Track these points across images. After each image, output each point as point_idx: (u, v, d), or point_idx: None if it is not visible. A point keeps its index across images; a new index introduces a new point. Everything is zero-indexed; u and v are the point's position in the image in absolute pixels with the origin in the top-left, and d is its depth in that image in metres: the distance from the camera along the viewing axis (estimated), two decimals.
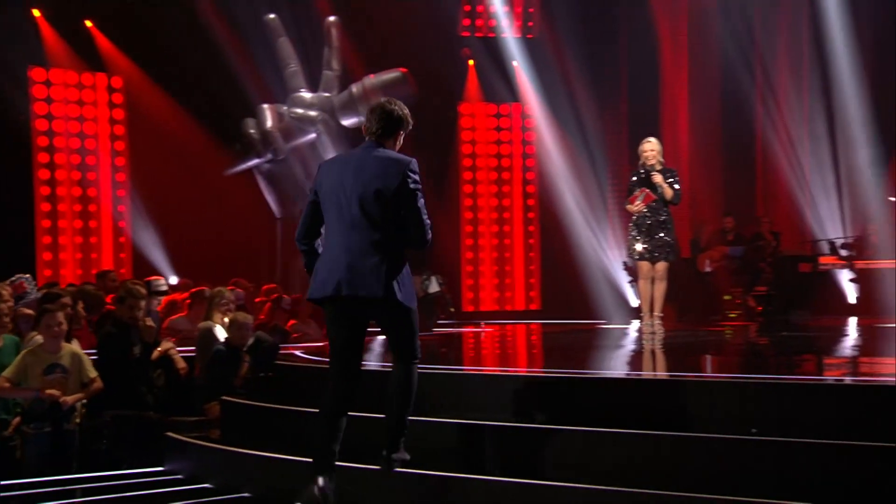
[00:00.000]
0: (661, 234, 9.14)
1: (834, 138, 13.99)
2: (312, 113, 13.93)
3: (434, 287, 11.52)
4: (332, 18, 13.77)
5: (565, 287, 14.38)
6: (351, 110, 13.88)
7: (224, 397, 6.89)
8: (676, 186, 9.11)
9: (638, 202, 9.04)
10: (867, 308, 12.44)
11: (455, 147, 14.87)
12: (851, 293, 12.94)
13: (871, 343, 9.05)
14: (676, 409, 5.16)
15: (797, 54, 14.22)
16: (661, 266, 9.23)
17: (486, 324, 12.01)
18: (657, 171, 9.13)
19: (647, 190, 9.06)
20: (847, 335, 10.08)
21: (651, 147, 9.23)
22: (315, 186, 4.93)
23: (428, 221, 4.85)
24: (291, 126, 14.04)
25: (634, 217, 9.21)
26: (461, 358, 8.52)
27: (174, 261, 13.58)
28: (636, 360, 7.75)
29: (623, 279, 13.97)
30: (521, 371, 7.09)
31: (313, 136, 14.08)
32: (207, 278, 10.71)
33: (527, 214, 14.99)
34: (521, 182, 15.04)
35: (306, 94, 13.98)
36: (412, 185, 4.79)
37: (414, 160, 4.86)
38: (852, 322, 11.49)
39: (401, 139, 5.02)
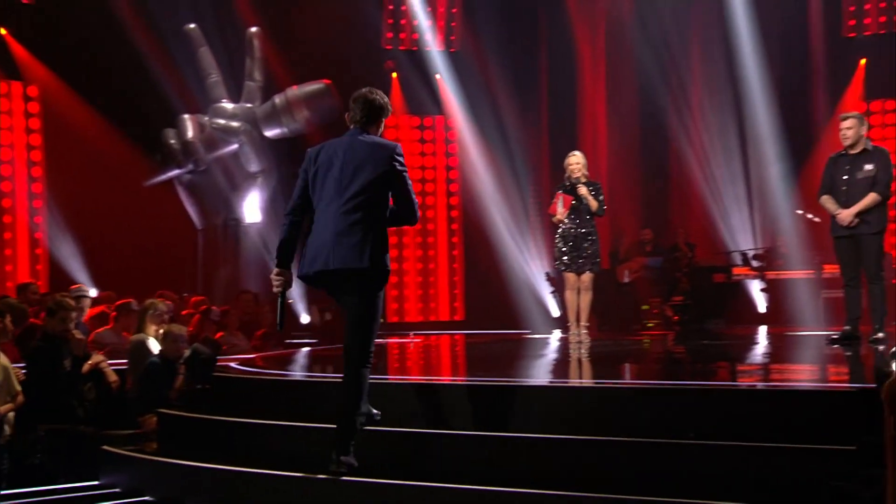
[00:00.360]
0: (587, 246, 9.40)
1: (746, 152, 14.53)
2: (234, 124, 13.87)
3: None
4: (254, 29, 13.75)
5: (489, 297, 14.58)
6: (274, 121, 13.87)
7: (160, 409, 6.86)
8: (601, 199, 9.40)
9: (559, 208, 9.29)
10: (776, 317, 12.96)
11: None
12: (762, 302, 13.45)
13: (781, 350, 9.45)
14: (605, 415, 5.38)
15: (711, 69, 14.72)
16: (587, 277, 9.48)
17: (413, 334, 12.12)
18: (582, 183, 9.40)
19: (563, 193, 9.34)
20: (759, 343, 10.48)
21: (577, 160, 9.50)
22: (303, 169, 5.29)
23: (416, 200, 5.27)
24: (213, 136, 13.95)
25: (561, 229, 9.44)
26: (388, 368, 8.61)
27: (93, 272, 13.34)
28: (563, 368, 7.99)
29: (545, 289, 14.25)
30: (460, 380, 7.21)
31: (235, 146, 14.02)
32: (128, 290, 10.58)
33: (450, 226, 15.15)
34: (445, 193, 15.20)
35: (228, 105, 13.92)
36: (399, 168, 5.19)
37: (399, 145, 5.30)
38: (763, 330, 11.94)
39: (382, 125, 5.40)
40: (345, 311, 5.23)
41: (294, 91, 13.78)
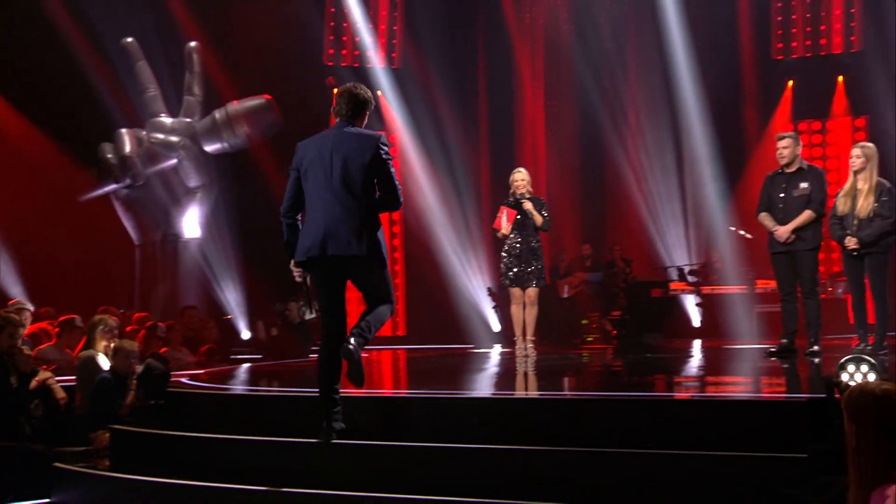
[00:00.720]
0: (533, 261, 9.58)
1: (682, 170, 14.91)
2: (173, 138, 13.76)
3: (310, 314, 11.55)
4: (193, 44, 13.69)
5: (431, 313, 14.66)
6: (214, 136, 13.81)
7: (113, 426, 6.80)
8: (545, 214, 9.60)
9: (504, 223, 9.46)
10: (711, 331, 13.31)
11: None
12: (696, 317, 13.79)
13: (724, 363, 9.72)
14: (559, 426, 5.52)
15: (649, 89, 15.08)
16: (533, 291, 9.66)
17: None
18: (527, 198, 9.59)
19: (507, 208, 9.49)
20: (700, 356, 10.75)
21: (521, 177, 9.68)
22: (295, 164, 5.61)
23: (399, 187, 5.60)
24: (151, 151, 13.82)
25: (507, 244, 9.61)
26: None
27: (29, 288, 13.08)
28: (508, 381, 8.12)
29: (487, 305, 14.38)
30: (403, 393, 7.29)
31: (174, 161, 13.91)
32: (65, 306, 10.46)
33: (392, 241, 15.20)
34: None
35: (166, 119, 13.81)
36: (384, 156, 5.51)
37: (383, 134, 5.67)
38: (698, 344, 12.24)
39: (367, 118, 5.74)
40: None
41: (235, 106, 13.74)
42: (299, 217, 5.66)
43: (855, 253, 8.50)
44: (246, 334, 13.37)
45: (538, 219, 9.49)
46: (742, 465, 4.74)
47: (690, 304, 13.71)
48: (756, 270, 13.34)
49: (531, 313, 9.67)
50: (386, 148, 5.53)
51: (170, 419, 6.74)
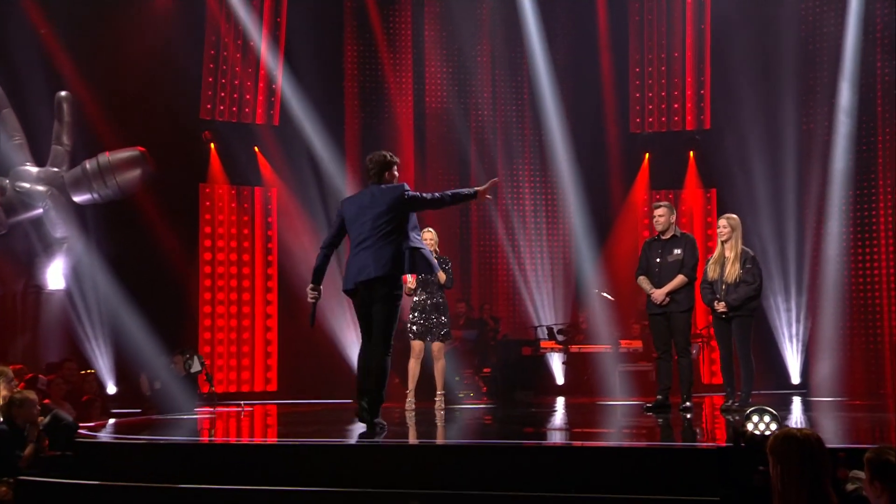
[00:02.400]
0: (437, 316, 10.14)
1: (553, 233, 15.60)
2: (40, 188, 13.41)
3: (196, 366, 11.54)
4: (63, 93, 13.43)
5: (304, 368, 14.70)
6: (83, 187, 13.49)
7: (20, 476, 6.67)
8: (450, 272, 10.25)
9: (409, 277, 9.87)
10: (576, 388, 13.92)
11: (195, 228, 14.83)
12: (560, 375, 14.40)
13: (605, 417, 10.31)
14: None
15: (520, 152, 15.75)
16: (437, 346, 10.27)
17: (245, 404, 12.10)
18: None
19: None
20: (574, 411, 11.26)
21: (430, 236, 10.22)
22: (339, 214, 7.46)
23: (438, 195, 7.40)
24: (14, 200, 13.43)
25: (415, 299, 10.04)
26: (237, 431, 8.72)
27: None
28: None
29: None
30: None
31: (40, 211, 13.55)
32: None
33: (266, 295, 15.18)
34: (263, 264, 15.23)
35: (33, 169, 13.45)
36: (409, 196, 7.23)
37: (405, 184, 7.35)
38: (561, 401, 12.77)
39: (395, 172, 7.45)
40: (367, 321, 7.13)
41: (106, 157, 13.50)
42: (332, 252, 7.41)
43: (724, 316, 9.23)
44: (112, 388, 13.08)
45: (442, 277, 10.04)
46: None
47: (557, 362, 14.31)
48: (620, 331, 14.08)
49: (438, 367, 10.35)
50: (409, 192, 7.20)
51: (77, 469, 6.69)
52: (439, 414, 9.88)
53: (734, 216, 9.52)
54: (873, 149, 13.93)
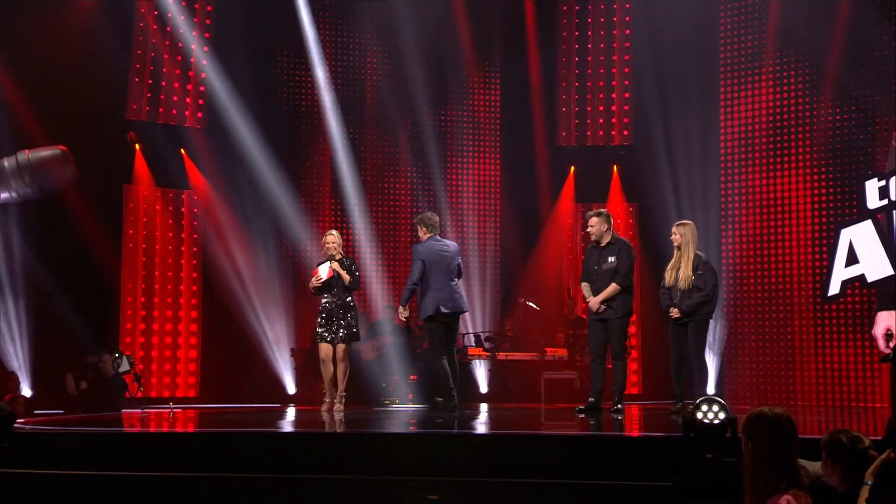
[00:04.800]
0: (343, 318, 10.34)
1: (481, 241, 15.73)
2: None
3: (125, 366, 11.33)
4: None
5: (228, 373, 14.54)
6: (1, 185, 13.12)
7: None
8: (356, 273, 10.47)
9: (321, 274, 10.23)
10: (500, 395, 14.08)
11: (119, 230, 14.51)
12: (485, 382, 14.53)
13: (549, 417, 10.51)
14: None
15: (445, 157, 15.83)
16: (341, 348, 10.36)
17: (174, 405, 11.91)
18: (336, 260, 10.42)
19: (328, 263, 10.30)
20: (483, 415, 11.34)
21: (333, 239, 10.55)
22: (420, 258, 9.88)
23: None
24: None
25: (322, 303, 10.39)
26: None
27: None
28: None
29: (289, 365, 14.47)
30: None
31: None
32: None
33: (190, 300, 14.93)
34: (189, 267, 14.98)
35: None
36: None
37: (456, 244, 10.45)
38: (485, 407, 12.89)
39: (437, 228, 10.17)
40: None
41: (25, 155, 13.08)
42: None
43: (679, 322, 9.48)
44: (27, 392, 12.72)
45: (346, 277, 10.32)
46: (617, 493, 5.29)
47: (481, 370, 14.44)
48: (545, 339, 14.28)
49: (340, 369, 10.47)
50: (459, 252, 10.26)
51: (14, 459, 6.60)
52: (336, 415, 9.99)
53: (687, 222, 9.73)
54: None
